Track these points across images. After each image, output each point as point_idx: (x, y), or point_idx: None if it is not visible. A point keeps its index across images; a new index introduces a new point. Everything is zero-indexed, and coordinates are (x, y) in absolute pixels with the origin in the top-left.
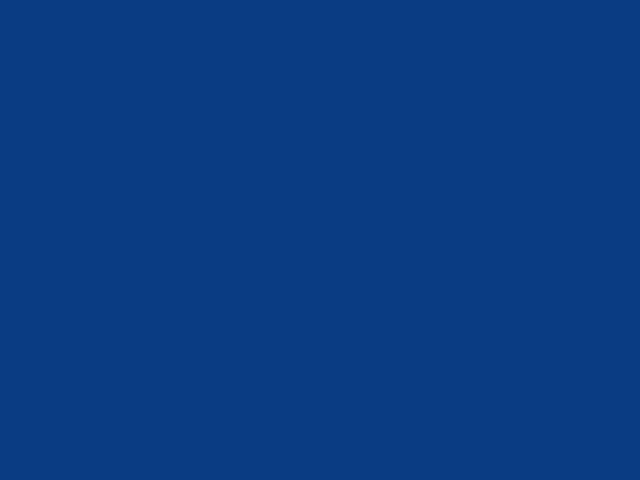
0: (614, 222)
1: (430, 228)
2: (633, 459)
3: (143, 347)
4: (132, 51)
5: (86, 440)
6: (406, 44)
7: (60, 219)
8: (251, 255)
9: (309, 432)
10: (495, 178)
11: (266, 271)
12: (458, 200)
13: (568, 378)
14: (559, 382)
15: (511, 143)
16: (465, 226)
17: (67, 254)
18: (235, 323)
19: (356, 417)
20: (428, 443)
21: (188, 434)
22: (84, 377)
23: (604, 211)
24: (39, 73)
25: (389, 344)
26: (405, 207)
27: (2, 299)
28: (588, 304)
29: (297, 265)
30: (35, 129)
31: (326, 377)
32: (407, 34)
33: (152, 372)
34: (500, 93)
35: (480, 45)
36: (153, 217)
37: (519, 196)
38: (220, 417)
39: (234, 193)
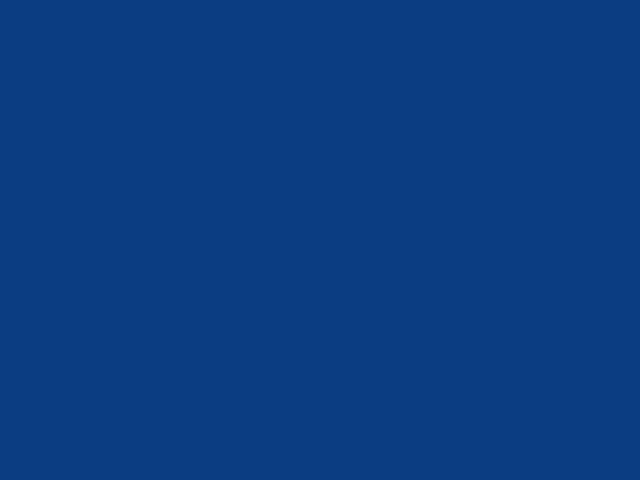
0: (614, 222)
1: (430, 228)
2: (633, 459)
3: (143, 347)
4: (132, 51)
5: (86, 440)
6: (406, 44)
7: (60, 219)
8: (251, 255)
9: (309, 432)
10: (495, 178)
11: (266, 271)
12: (458, 200)
13: (568, 378)
14: (559, 382)
15: (511, 143)
16: (465, 226)
17: (67, 254)
18: (235, 323)
19: (356, 417)
20: (428, 443)
21: (188, 434)
22: (84, 377)
23: (604, 211)
24: (39, 73)
25: (389, 344)
26: (405, 207)
27: (2, 299)
28: (588, 304)
29: (297, 265)
30: (35, 129)
31: (326, 377)
32: (407, 34)
33: (152, 372)
34: (500, 93)
35: (480, 45)
36: (153, 217)
37: (519, 196)
38: (220, 417)
39: (234, 193)
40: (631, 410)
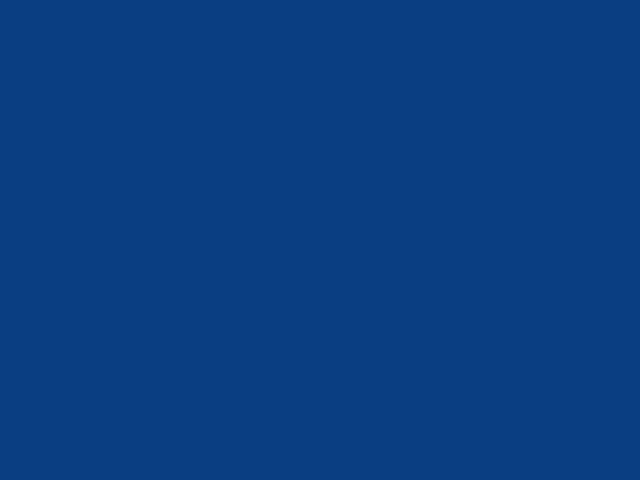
0: (614, 222)
1: (430, 228)
2: (633, 459)
3: (143, 347)
4: (132, 51)
5: (86, 440)
6: (406, 44)
7: (60, 219)
8: (251, 255)
9: (309, 432)
10: (495, 178)
11: (266, 271)
12: (458, 200)
13: (568, 378)
14: (559, 382)
15: (511, 143)
16: (465, 226)
17: (67, 254)
18: (235, 323)
19: (356, 417)
20: (428, 443)
21: (188, 434)
22: (84, 377)
23: (604, 211)
24: (39, 73)
25: (389, 344)
26: (405, 207)
27: (2, 299)
28: (588, 304)
29: (297, 265)
30: (35, 129)
31: (326, 377)
32: (407, 34)
33: (152, 372)
34: (500, 93)
35: (480, 45)
36: (153, 217)
37: (519, 196)
38: (220, 417)
39: (234, 193)
40: (631, 410)
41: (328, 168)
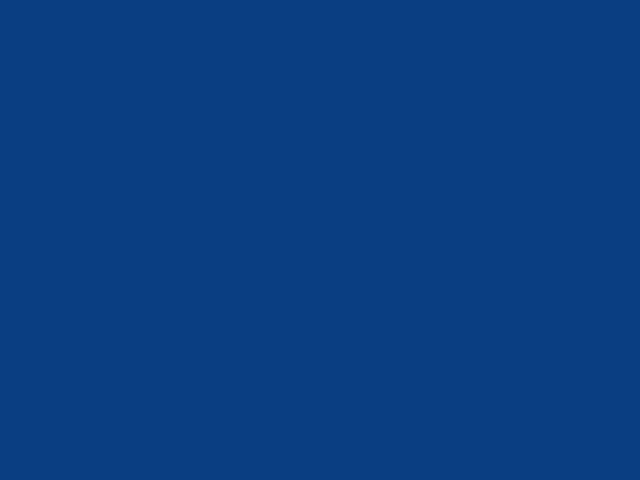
0: (614, 222)
1: (430, 228)
2: (633, 459)
3: (143, 347)
4: (132, 51)
5: (86, 440)
6: (406, 44)
7: (60, 219)
8: (251, 255)
9: (309, 432)
10: (495, 178)
11: (266, 271)
12: (458, 200)
13: (568, 378)
14: (559, 382)
15: (511, 143)
16: (465, 226)
17: (67, 254)
18: (235, 323)
19: (356, 417)
20: (428, 443)
21: (188, 434)
22: (84, 377)
23: (604, 211)
24: (39, 73)
25: (389, 344)
26: (405, 207)
27: (2, 299)
28: (588, 304)
29: (297, 265)
30: (35, 129)
31: (326, 377)
32: (407, 34)
33: (152, 372)
34: (500, 93)
35: (480, 45)
36: (153, 217)
37: (519, 196)
38: (220, 417)
39: (234, 193)
40: (631, 410)
41: (328, 168)
